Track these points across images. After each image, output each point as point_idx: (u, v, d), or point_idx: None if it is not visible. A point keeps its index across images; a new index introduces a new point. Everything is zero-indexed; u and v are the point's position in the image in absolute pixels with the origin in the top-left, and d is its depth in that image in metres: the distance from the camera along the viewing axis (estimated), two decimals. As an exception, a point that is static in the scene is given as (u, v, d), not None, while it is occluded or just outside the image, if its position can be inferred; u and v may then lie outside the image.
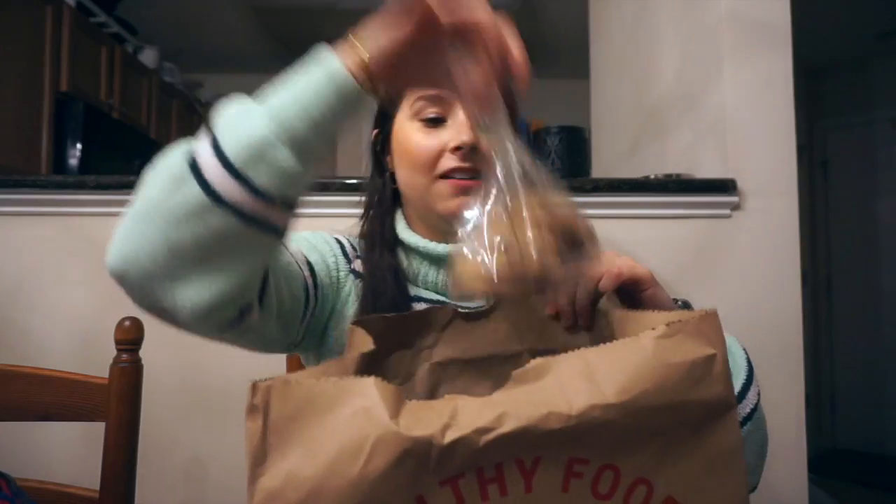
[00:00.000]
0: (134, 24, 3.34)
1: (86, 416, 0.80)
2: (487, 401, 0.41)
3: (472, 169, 0.66)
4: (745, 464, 0.44)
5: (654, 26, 1.67)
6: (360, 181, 1.13)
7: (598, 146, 2.15)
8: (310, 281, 0.65)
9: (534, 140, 1.42)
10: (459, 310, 0.57)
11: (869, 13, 2.99)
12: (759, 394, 0.60)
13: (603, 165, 2.11)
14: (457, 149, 0.66)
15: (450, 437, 0.39)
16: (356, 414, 0.39)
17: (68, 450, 1.14)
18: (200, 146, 0.44)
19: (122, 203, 1.17)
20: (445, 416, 0.39)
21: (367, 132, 0.78)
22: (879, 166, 3.57)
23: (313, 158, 0.46)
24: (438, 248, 0.70)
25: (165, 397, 1.13)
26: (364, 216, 0.77)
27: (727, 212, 1.22)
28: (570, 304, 0.54)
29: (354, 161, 3.94)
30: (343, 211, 1.13)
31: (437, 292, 0.72)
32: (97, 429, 0.80)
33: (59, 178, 1.20)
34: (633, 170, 1.77)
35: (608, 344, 0.44)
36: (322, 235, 0.74)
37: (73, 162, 2.60)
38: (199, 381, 1.15)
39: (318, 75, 0.45)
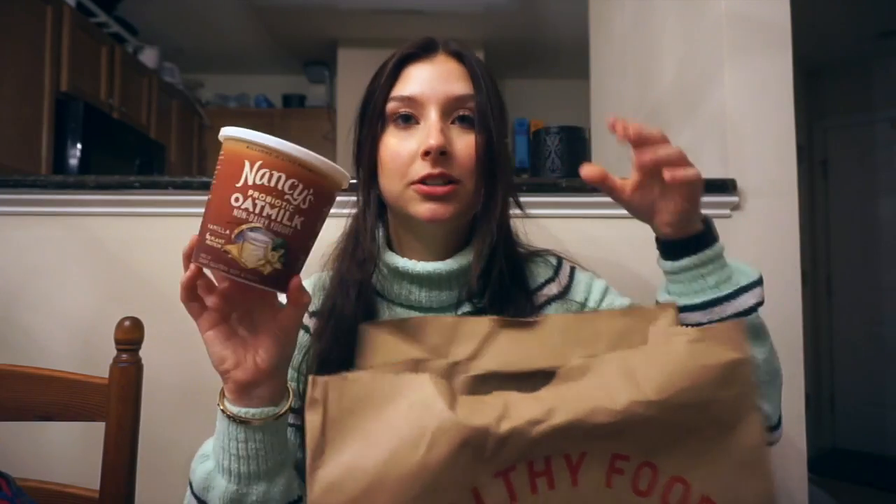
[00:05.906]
0: (134, 24, 3.34)
1: (86, 416, 0.80)
2: (536, 396, 0.43)
3: (443, 174, 0.63)
4: (770, 464, 0.46)
5: (654, 26, 1.67)
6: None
7: (598, 146, 2.15)
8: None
9: (534, 140, 1.42)
10: (507, 318, 0.56)
11: (869, 13, 2.99)
12: (763, 298, 0.64)
13: (603, 165, 2.11)
14: (426, 153, 0.63)
15: (504, 426, 0.40)
16: (413, 406, 0.40)
17: (68, 450, 1.14)
18: None
19: (122, 203, 1.17)
20: (499, 408, 0.41)
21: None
22: (879, 166, 3.57)
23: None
24: (418, 266, 0.67)
25: (165, 397, 1.13)
26: (349, 237, 0.72)
27: (727, 212, 1.22)
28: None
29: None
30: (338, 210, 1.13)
31: (422, 310, 0.69)
32: (97, 429, 0.80)
33: (59, 178, 1.20)
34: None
35: (643, 347, 0.47)
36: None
37: (73, 162, 2.60)
38: (198, 381, 1.14)
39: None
